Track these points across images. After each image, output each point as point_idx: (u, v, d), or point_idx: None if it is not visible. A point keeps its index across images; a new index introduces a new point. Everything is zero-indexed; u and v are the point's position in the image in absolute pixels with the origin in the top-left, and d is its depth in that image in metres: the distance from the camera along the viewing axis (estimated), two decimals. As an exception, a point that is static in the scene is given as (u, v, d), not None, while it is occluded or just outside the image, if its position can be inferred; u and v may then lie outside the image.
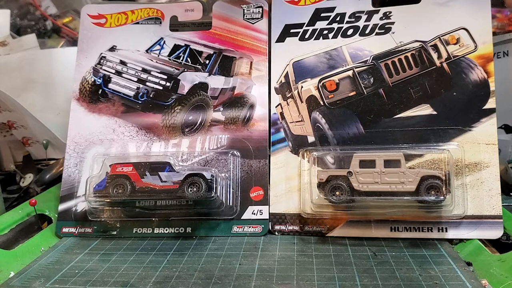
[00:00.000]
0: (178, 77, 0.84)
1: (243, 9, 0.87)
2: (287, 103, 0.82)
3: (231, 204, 0.78)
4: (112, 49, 0.90)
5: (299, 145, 0.80)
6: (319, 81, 0.79)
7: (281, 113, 0.82)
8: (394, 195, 0.69)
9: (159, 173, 0.75)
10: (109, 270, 0.66)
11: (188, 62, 0.87)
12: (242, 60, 0.86)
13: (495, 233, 0.69)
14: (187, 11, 0.90)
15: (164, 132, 0.84)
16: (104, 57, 0.89)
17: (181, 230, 0.77)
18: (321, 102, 0.79)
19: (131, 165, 0.76)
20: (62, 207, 0.81)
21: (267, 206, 0.77)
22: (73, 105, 0.88)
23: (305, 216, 0.75)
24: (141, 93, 0.85)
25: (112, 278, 0.63)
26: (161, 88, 0.84)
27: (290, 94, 0.82)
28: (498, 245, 0.69)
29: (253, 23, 0.87)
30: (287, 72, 0.82)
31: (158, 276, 0.63)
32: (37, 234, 0.79)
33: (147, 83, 0.85)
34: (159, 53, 0.89)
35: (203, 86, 0.85)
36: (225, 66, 0.86)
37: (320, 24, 0.83)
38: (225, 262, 0.66)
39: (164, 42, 0.89)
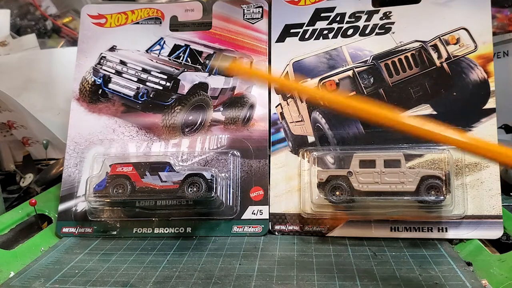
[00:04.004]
0: (178, 77, 0.84)
1: (243, 9, 0.87)
2: (287, 103, 0.82)
3: (231, 204, 0.78)
4: (112, 49, 0.90)
5: (299, 145, 0.80)
6: (319, 81, 0.79)
7: (281, 113, 0.82)
8: (394, 195, 0.69)
9: (159, 173, 0.75)
10: (109, 270, 0.66)
11: (188, 62, 0.87)
12: (242, 60, 0.86)
13: (495, 233, 0.69)
14: (187, 11, 0.90)
15: (164, 132, 0.84)
16: (104, 57, 0.89)
17: (181, 230, 0.77)
18: (321, 102, 0.79)
19: (131, 165, 0.76)
20: (62, 207, 0.81)
21: (267, 206, 0.77)
22: (73, 105, 0.88)
23: (305, 216, 0.75)
24: (141, 93, 0.85)
25: (112, 278, 0.63)
26: (161, 88, 0.84)
27: (290, 94, 0.82)
28: (498, 245, 0.69)
29: (253, 23, 0.87)
30: (287, 72, 0.82)
31: (158, 276, 0.63)
32: (37, 234, 0.79)
33: (147, 83, 0.85)
34: (159, 53, 0.89)
35: (203, 86, 0.85)
36: (225, 66, 0.86)
37: (320, 24, 0.83)
38: (225, 262, 0.66)
39: (164, 42, 0.89)
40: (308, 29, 0.83)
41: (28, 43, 1.35)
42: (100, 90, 0.88)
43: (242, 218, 0.77)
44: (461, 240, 0.70)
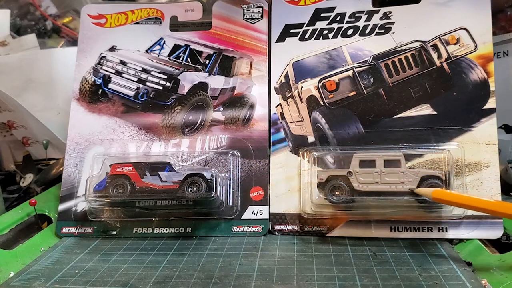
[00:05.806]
0: (178, 77, 0.84)
1: (243, 9, 0.87)
2: (287, 103, 0.82)
3: (231, 204, 0.78)
4: (112, 49, 0.90)
5: (299, 145, 0.80)
6: (319, 81, 0.79)
7: (281, 113, 0.82)
8: (394, 195, 0.69)
9: (159, 173, 0.75)
10: (109, 270, 0.66)
11: (188, 62, 0.87)
12: (242, 60, 0.86)
13: (495, 233, 0.69)
14: (187, 11, 0.90)
15: (164, 132, 0.84)
16: (104, 57, 0.89)
17: (181, 230, 0.77)
18: (321, 102, 0.79)
19: (131, 165, 0.76)
20: (62, 207, 0.81)
21: (267, 206, 0.77)
22: (73, 105, 0.88)
23: (305, 216, 0.75)
24: (141, 93, 0.85)
25: (112, 278, 0.63)
26: (161, 88, 0.84)
27: (290, 94, 0.82)
28: (498, 245, 0.69)
29: (253, 23, 0.87)
30: (287, 72, 0.82)
31: (158, 276, 0.63)
32: (37, 234, 0.79)
33: (147, 83, 0.85)
34: (159, 53, 0.89)
35: (203, 86, 0.85)
36: (225, 66, 0.86)
37: (320, 24, 0.83)
38: (225, 262, 0.66)
39: (164, 42, 0.89)
40: (308, 29, 0.83)
41: (28, 43, 1.35)
42: (100, 90, 0.88)
43: (242, 218, 0.77)
44: (461, 240, 0.70)
